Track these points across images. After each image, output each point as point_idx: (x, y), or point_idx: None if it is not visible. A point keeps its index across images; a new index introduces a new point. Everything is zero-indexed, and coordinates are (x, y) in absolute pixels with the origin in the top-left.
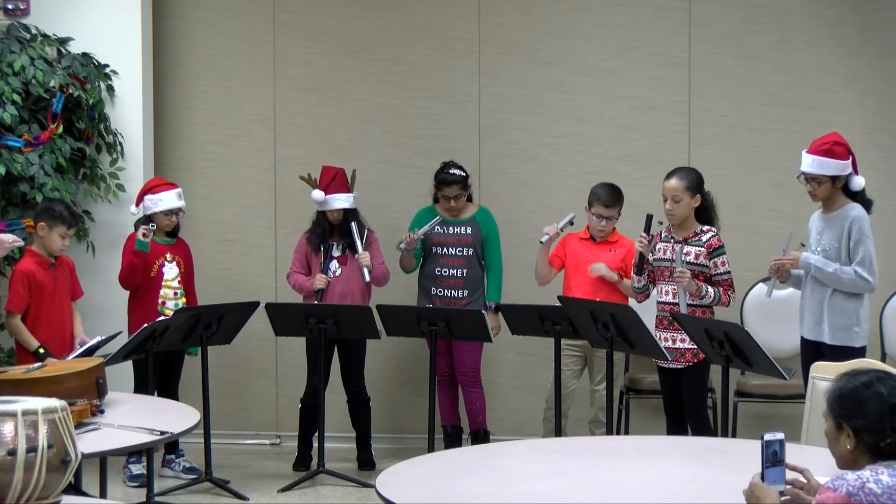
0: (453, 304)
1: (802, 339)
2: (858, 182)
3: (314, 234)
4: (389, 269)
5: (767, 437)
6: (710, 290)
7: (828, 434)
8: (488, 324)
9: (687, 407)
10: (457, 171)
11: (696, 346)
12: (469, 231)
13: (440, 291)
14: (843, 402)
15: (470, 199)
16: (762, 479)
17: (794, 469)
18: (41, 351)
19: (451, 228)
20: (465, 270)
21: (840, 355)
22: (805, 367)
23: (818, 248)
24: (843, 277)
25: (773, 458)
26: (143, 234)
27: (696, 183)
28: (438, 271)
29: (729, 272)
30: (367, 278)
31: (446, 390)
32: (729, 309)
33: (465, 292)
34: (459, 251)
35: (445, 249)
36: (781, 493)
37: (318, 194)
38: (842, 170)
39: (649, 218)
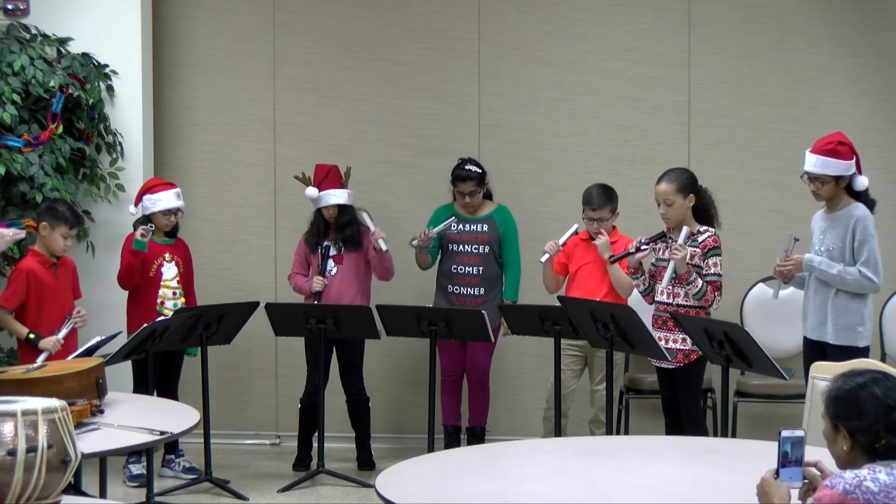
0: (470, 302)
1: (805, 339)
2: (862, 182)
3: (311, 234)
4: (397, 269)
5: (785, 433)
6: (700, 281)
7: (826, 435)
8: (488, 324)
9: (682, 408)
10: (472, 168)
11: (687, 348)
12: (485, 229)
13: (456, 289)
14: (838, 404)
15: (489, 197)
16: (776, 475)
17: (807, 464)
18: (31, 336)
19: (467, 226)
20: (480, 268)
21: (844, 355)
22: (807, 366)
23: (821, 248)
24: (847, 278)
25: (786, 456)
26: (142, 235)
27: (687, 183)
28: (455, 269)
29: (719, 275)
30: (385, 247)
31: (454, 390)
32: (729, 309)
33: (482, 290)
34: (475, 248)
35: (461, 247)
36: (805, 490)
37: (311, 191)
38: (846, 170)
39: (661, 235)
